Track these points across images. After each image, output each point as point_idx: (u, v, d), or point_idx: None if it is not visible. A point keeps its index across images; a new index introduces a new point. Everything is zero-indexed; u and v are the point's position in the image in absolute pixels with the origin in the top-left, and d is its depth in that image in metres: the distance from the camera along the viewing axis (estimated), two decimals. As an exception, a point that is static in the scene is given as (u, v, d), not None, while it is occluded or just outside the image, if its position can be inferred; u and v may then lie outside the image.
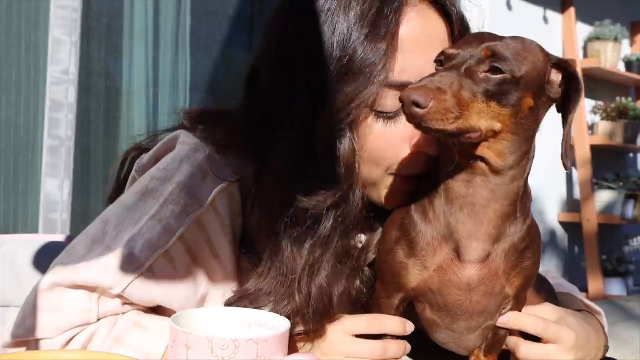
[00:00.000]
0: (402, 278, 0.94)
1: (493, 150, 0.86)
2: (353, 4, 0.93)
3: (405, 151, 0.97)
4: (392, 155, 0.97)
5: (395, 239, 0.95)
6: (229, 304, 0.99)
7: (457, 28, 1.00)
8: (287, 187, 0.94)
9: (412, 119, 0.81)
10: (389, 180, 1.00)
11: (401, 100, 0.81)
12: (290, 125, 0.95)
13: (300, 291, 0.94)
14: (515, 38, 0.87)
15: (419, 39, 0.95)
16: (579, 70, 4.60)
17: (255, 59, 1.05)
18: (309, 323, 0.95)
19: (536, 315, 0.97)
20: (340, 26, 0.93)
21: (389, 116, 0.95)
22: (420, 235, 0.92)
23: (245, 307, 0.96)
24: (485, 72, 0.84)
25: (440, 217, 0.91)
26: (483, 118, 0.83)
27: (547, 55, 0.88)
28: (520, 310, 0.97)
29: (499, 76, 0.83)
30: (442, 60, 0.87)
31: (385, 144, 0.96)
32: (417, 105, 0.79)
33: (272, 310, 0.93)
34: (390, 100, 0.94)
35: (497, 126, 0.84)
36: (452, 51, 0.86)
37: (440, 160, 0.92)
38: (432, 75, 0.83)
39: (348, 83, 0.92)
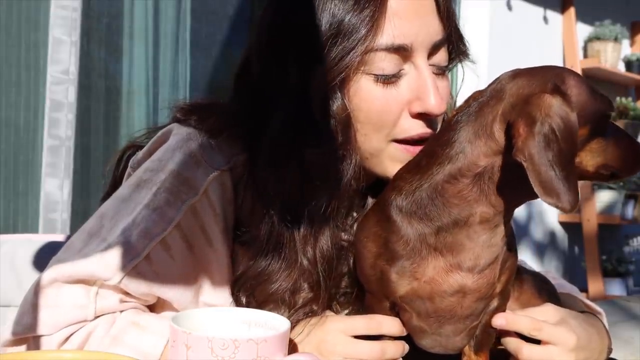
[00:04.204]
0: (389, 288, 0.93)
1: None
2: None
3: (404, 116, 1.00)
4: (391, 118, 0.99)
5: (375, 253, 0.94)
6: (234, 285, 1.01)
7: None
8: (280, 163, 0.98)
9: None
10: (391, 148, 1.01)
11: None
12: (283, 101, 0.99)
13: (306, 255, 0.98)
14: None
15: (410, 4, 0.99)
16: (578, 70, 4.61)
17: (246, 51, 1.07)
18: (319, 286, 0.98)
19: (530, 316, 0.97)
20: (328, 4, 0.97)
21: (387, 79, 0.98)
22: (411, 250, 0.90)
23: (249, 288, 0.99)
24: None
25: (445, 237, 0.90)
26: None
27: None
28: (505, 305, 0.97)
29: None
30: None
31: (384, 106, 0.99)
32: None
33: (277, 285, 0.97)
34: (387, 63, 0.97)
35: None
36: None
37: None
38: None
39: (335, 48, 0.96)
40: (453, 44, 1.06)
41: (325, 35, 0.97)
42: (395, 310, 0.97)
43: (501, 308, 0.96)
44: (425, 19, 0.99)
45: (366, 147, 1.01)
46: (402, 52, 0.98)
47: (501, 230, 0.90)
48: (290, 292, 0.98)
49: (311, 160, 0.98)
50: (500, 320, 0.95)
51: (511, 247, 0.94)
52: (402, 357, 0.97)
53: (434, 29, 1.00)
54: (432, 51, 1.01)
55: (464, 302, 0.91)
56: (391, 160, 1.02)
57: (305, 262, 0.98)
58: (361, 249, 0.97)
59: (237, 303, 1.01)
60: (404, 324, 0.97)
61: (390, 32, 0.97)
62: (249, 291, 0.99)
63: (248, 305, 0.99)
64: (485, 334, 0.97)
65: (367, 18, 0.96)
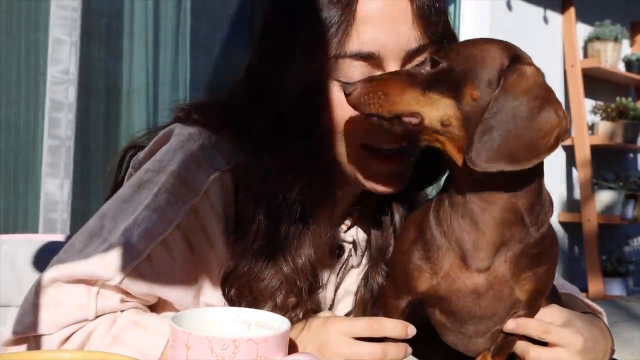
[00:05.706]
0: (413, 280, 0.94)
1: (453, 145, 0.89)
2: None
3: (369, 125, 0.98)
4: (358, 127, 0.98)
5: (412, 239, 0.95)
6: (224, 282, 1.01)
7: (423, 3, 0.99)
8: (262, 160, 0.98)
9: (352, 107, 0.92)
10: (362, 156, 1.00)
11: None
12: (267, 102, 0.99)
13: (287, 262, 0.98)
14: (474, 41, 0.93)
15: (379, 12, 0.97)
16: (578, 70, 4.61)
17: (251, 53, 1.08)
18: (299, 293, 0.98)
19: (539, 320, 0.97)
20: (310, 10, 0.97)
21: None
22: (433, 239, 0.92)
23: (237, 287, 0.99)
24: (428, 67, 0.91)
25: (448, 224, 0.91)
26: (420, 104, 0.88)
27: (506, 50, 0.91)
28: (532, 317, 0.97)
29: (437, 68, 0.90)
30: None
31: (349, 114, 0.97)
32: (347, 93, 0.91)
33: (264, 284, 0.98)
34: (356, 71, 0.96)
35: (439, 114, 0.88)
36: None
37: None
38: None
39: (307, 52, 0.96)
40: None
41: (300, 38, 0.96)
42: (410, 309, 0.97)
43: (527, 317, 0.96)
44: (397, 26, 0.96)
45: (337, 152, 1.01)
46: (371, 60, 0.96)
47: (475, 210, 0.89)
48: (280, 291, 0.99)
49: (284, 162, 0.98)
50: (510, 324, 0.95)
51: (539, 261, 0.93)
52: (414, 354, 0.97)
53: (407, 36, 0.97)
54: (407, 60, 0.98)
55: (481, 302, 0.92)
56: (361, 169, 1.01)
57: (290, 264, 0.98)
58: (402, 234, 0.99)
59: (226, 299, 1.01)
60: (429, 317, 0.98)
61: (358, 39, 0.95)
62: (239, 289, 1.00)
63: (238, 303, 1.00)
64: (506, 340, 0.98)
65: (335, 24, 0.94)
